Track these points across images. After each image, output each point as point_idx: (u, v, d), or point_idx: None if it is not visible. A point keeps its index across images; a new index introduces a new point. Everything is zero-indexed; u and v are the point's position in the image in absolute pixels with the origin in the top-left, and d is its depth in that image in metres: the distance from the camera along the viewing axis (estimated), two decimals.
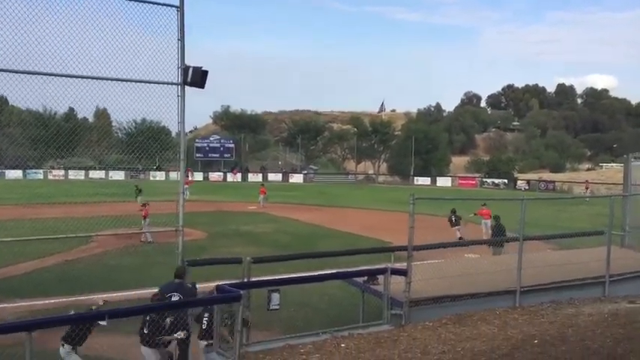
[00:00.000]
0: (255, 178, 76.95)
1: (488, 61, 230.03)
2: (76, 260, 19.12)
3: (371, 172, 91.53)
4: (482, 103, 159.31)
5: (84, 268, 17.74)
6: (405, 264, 10.28)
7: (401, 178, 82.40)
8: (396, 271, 10.42)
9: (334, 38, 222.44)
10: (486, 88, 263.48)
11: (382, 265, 11.21)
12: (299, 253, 15.89)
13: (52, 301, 14.34)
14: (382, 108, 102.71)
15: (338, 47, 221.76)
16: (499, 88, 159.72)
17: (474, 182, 77.13)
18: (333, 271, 11.79)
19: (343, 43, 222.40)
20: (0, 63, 9.03)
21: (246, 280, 9.75)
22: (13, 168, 65.44)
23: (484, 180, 77.65)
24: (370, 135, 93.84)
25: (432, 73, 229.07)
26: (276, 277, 11.27)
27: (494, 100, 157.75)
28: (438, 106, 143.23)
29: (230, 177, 77.63)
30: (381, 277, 10.62)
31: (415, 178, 78.87)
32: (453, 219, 24.30)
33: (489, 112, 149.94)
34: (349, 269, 12.68)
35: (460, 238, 21.57)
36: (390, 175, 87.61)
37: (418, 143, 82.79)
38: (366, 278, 10.99)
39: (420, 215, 10.24)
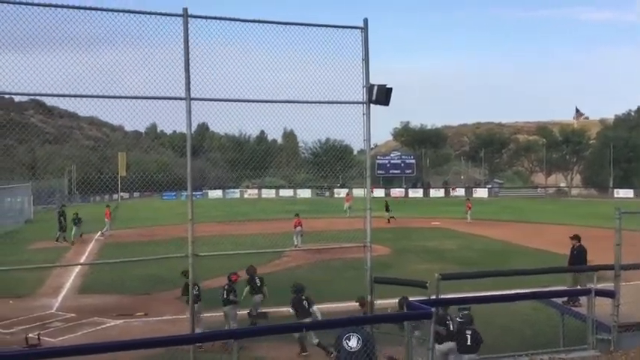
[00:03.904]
0: (436, 193, 75.97)
1: None
2: (271, 274, 20.34)
3: (563, 184, 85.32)
4: None
5: (279, 281, 18.79)
6: (611, 284, 9.35)
7: (598, 190, 75.62)
8: (600, 292, 9.52)
9: (513, 46, 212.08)
10: None
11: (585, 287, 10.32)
12: (488, 271, 15.28)
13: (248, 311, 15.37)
14: (577, 114, 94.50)
15: (517, 55, 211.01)
16: None
17: None
18: (528, 290, 11.12)
19: (522, 50, 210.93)
20: (201, 93, 9.97)
21: (435, 297, 9.59)
22: (215, 188, 72.22)
23: None
24: (561, 145, 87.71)
25: (630, 74, 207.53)
26: (467, 295, 10.91)
27: None
28: (639, 111, 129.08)
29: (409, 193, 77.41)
30: (583, 299, 9.77)
31: (615, 190, 71.76)
32: None
33: None
34: (545, 289, 11.86)
35: None
36: (585, 187, 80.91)
37: (617, 152, 75.46)
38: (565, 299, 10.19)
39: (626, 232, 9.28)
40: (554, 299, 10.59)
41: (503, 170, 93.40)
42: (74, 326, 14.85)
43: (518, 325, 13.46)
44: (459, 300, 9.72)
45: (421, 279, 10.56)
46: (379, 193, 73.30)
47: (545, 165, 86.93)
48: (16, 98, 67.91)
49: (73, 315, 15.79)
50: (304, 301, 12.84)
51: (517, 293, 10.46)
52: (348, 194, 48.69)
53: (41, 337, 12.38)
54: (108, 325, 14.75)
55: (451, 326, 10.10)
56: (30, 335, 12.08)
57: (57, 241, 30.56)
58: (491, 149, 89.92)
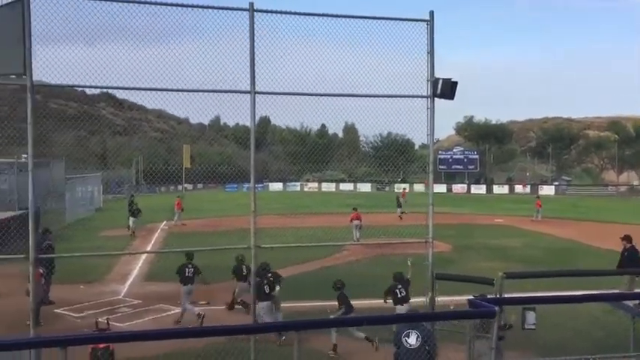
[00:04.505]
0: (500, 190, 74.16)
1: None
2: (331, 267, 20.42)
3: (636, 183, 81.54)
4: None
5: (338, 275, 18.82)
6: None
7: None
8: None
9: (584, 36, 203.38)
10: None
11: None
12: (554, 271, 14.79)
13: (310, 304, 15.47)
14: None
15: (588, 46, 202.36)
16: None
17: None
18: (597, 292, 10.67)
19: (594, 41, 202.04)
20: (264, 86, 10.08)
21: (498, 295, 9.35)
22: (276, 181, 73.09)
23: None
24: (634, 141, 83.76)
25: None
26: (533, 295, 10.58)
27: None
28: None
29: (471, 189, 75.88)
30: None
31: None
32: None
33: None
34: (616, 291, 11.37)
35: None
36: None
37: None
38: (638, 302, 9.74)
39: None
40: (627, 302, 10.11)
41: (571, 167, 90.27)
42: (140, 312, 15.39)
43: (587, 327, 12.98)
44: (524, 299, 9.43)
45: (484, 277, 10.35)
46: (440, 188, 72.27)
47: (617, 162, 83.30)
48: (89, 91, 70.86)
49: (139, 301, 16.36)
50: (265, 285, 13.23)
51: (584, 295, 10.03)
52: (403, 189, 48.27)
53: (110, 322, 12.86)
54: (172, 312, 15.20)
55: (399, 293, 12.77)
56: (100, 320, 12.57)
57: (129, 229, 30.72)
58: (559, 145, 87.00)
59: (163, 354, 10.38)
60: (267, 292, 13.14)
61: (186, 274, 14.82)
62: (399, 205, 38.12)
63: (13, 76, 10.43)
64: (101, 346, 8.80)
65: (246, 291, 14.43)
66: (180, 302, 14.99)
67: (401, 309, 12.75)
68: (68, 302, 16.06)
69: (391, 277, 13.39)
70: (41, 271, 13.50)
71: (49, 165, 31.34)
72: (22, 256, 9.57)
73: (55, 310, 15.38)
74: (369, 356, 11.68)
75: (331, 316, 12.47)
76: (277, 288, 13.77)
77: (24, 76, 8.94)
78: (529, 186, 74.79)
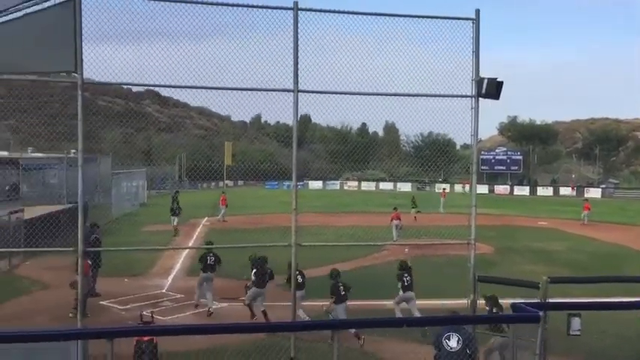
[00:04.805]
0: (544, 192, 72.60)
1: None
2: (370, 267, 20.35)
3: None
4: None
5: (377, 275, 18.77)
6: None
7: None
8: None
9: (629, 37, 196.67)
10: None
11: None
12: (600, 277, 14.42)
13: (350, 303, 15.45)
14: None
15: (635, 47, 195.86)
16: None
17: None
18: None
19: None
20: (306, 85, 10.11)
21: (542, 300, 9.17)
22: (316, 179, 73.29)
23: None
24: None
25: None
26: (579, 301, 10.34)
27: None
28: None
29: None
30: None
31: None
32: None
33: None
34: None
35: None
36: None
37: None
38: None
39: None
40: None
41: (619, 169, 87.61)
42: (183, 306, 15.67)
43: (633, 335, 12.58)
44: (569, 305, 9.22)
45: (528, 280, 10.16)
46: (482, 189, 71.15)
47: None
48: (134, 89, 72.55)
49: (181, 295, 16.65)
50: (340, 287, 13.39)
51: (633, 301, 9.75)
52: (443, 189, 47.70)
53: (154, 316, 13.14)
54: (213, 307, 15.41)
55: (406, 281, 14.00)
56: (144, 313, 12.85)
57: (174, 229, 29.79)
58: (606, 147, 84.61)
59: (206, 348, 10.55)
60: (342, 293, 13.31)
61: (208, 262, 15.64)
62: (415, 206, 37.66)
63: (64, 74, 10.77)
64: (145, 338, 9.00)
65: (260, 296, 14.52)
66: (197, 291, 15.66)
67: (409, 295, 14.05)
68: (113, 295, 16.47)
69: (432, 277, 13.40)
70: (89, 262, 13.87)
71: (96, 160, 32.19)
72: (71, 248, 9.86)
73: (101, 302, 15.80)
74: (407, 357, 11.61)
75: (324, 308, 13.24)
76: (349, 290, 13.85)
77: (74, 74, 9.21)
78: (576, 188, 72.82)
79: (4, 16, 8.74)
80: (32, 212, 22.50)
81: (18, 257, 20.92)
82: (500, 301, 10.97)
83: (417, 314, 13.69)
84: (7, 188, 26.98)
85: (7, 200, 24.42)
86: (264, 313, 14.03)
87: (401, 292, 14.13)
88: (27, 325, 13.28)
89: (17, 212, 21.28)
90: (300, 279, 13.44)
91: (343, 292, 13.35)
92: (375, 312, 14.36)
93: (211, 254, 15.88)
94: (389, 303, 15.13)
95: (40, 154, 35.71)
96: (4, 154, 25.29)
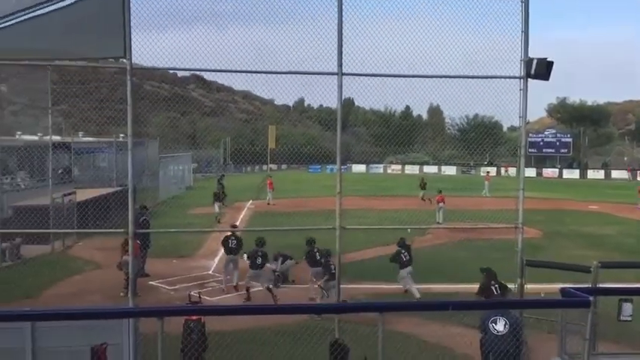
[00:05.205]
0: (595, 175, 70.54)
1: None
2: (416, 250, 20.24)
3: None
4: None
5: (420, 258, 18.67)
6: None
7: None
8: None
9: None
10: None
11: None
12: None
13: (392, 286, 15.48)
14: None
15: None
16: None
17: None
18: None
19: None
20: (349, 68, 10.04)
21: (593, 285, 8.97)
22: (359, 163, 73.08)
23: None
24: None
25: None
26: (630, 286, 10.07)
27: None
28: None
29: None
30: None
31: None
32: None
33: None
34: None
35: None
36: None
37: None
38: None
39: None
40: None
41: None
42: (228, 287, 15.95)
43: None
44: (621, 290, 8.99)
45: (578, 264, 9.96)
46: (530, 172, 69.57)
47: None
48: (180, 73, 73.62)
49: (227, 277, 16.95)
50: (316, 253, 14.89)
51: None
52: (487, 173, 46.83)
53: (201, 296, 13.46)
54: (258, 289, 15.64)
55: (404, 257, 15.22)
56: (192, 293, 13.18)
57: (216, 217, 28.44)
58: None
59: (251, 328, 10.74)
60: (405, 259, 15.33)
61: (230, 245, 16.29)
62: (423, 188, 36.99)
63: (112, 60, 11.02)
64: (194, 318, 9.22)
65: (320, 275, 14.62)
66: (224, 273, 16.33)
67: (405, 271, 15.29)
68: (162, 275, 16.92)
69: (477, 261, 13.34)
70: (138, 243, 14.28)
71: (144, 144, 32.91)
72: (122, 230, 10.16)
73: (150, 283, 16.26)
74: (451, 339, 11.55)
75: (318, 284, 14.11)
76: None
77: (122, 60, 9.41)
78: (632, 171, 70.31)
79: (57, 3, 8.97)
80: (84, 195, 23.23)
81: (71, 238, 21.70)
82: (548, 285, 10.79)
83: (415, 289, 14.89)
84: (60, 171, 27.89)
85: (60, 183, 25.25)
86: (269, 289, 14.65)
87: (400, 271, 15.32)
88: (82, 303, 13.79)
89: (70, 195, 22.00)
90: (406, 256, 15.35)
91: (407, 258, 15.24)
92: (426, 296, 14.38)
93: (233, 237, 16.53)
94: (434, 286, 15.15)
95: (90, 139, 36.79)
96: (57, 138, 26.04)
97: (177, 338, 9.17)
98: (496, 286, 12.70)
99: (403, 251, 15.55)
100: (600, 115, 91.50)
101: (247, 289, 15.04)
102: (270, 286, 14.83)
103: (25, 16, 8.94)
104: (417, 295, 14.54)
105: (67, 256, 19.96)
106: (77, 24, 9.12)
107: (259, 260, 15.14)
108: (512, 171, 55.78)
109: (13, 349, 7.76)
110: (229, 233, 16.81)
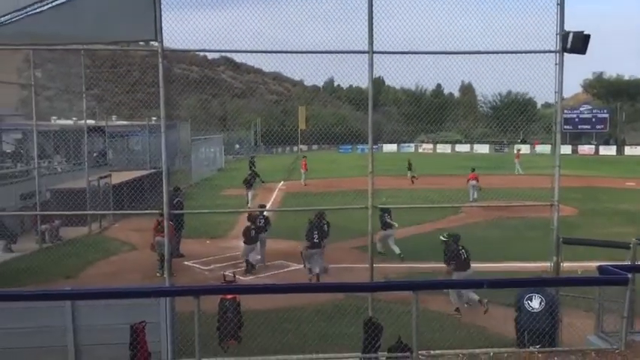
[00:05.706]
0: (633, 151, 68.81)
1: None
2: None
3: None
4: None
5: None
6: None
7: None
8: None
9: None
10: None
11: None
12: None
13: (425, 265, 15.39)
14: None
15: None
16: None
17: None
18: None
19: None
20: (380, 46, 9.90)
21: (632, 262, 8.80)
22: (390, 142, 72.60)
23: None
24: None
25: None
26: None
27: None
28: None
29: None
30: None
31: None
32: None
33: None
34: None
35: None
36: None
37: None
38: None
39: None
40: None
41: None
42: (260, 267, 16.12)
43: None
44: None
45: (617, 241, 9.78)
46: (565, 149, 68.12)
47: None
48: (209, 55, 74.05)
49: (259, 257, 17.13)
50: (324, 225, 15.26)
51: None
52: (518, 151, 45.96)
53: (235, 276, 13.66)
54: (291, 268, 15.78)
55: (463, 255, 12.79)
56: (227, 273, 13.38)
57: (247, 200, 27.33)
58: None
59: (285, 307, 10.85)
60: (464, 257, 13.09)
61: (251, 235, 16.12)
62: (410, 169, 36.41)
63: (142, 43, 11.10)
64: (229, 297, 9.37)
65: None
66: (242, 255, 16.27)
67: (390, 232, 16.34)
68: (196, 256, 17.18)
69: (512, 240, 13.23)
70: (172, 224, 14.52)
71: (176, 127, 33.26)
72: (157, 211, 10.33)
73: (185, 263, 16.54)
74: (485, 318, 11.51)
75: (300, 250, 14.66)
76: None
77: (152, 43, 9.47)
78: None
79: None
80: (118, 177, 23.65)
81: (108, 220, 22.18)
82: (585, 263, 10.62)
83: (396, 248, 16.12)
84: (95, 155, 28.42)
85: (96, 166, 25.76)
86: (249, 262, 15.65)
87: (382, 231, 15.93)
88: (119, 283, 14.12)
89: (105, 177, 22.43)
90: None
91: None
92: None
93: (261, 216, 16.57)
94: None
95: (124, 122, 37.31)
96: (92, 122, 26.50)
97: (213, 317, 9.35)
98: (462, 250, 12.76)
99: (386, 213, 15.64)
100: (638, 90, 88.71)
101: (247, 263, 15.70)
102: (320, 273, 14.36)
103: (58, 1, 9.05)
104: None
105: (104, 238, 20.42)
106: (109, 7, 9.21)
107: (316, 238, 14.75)
108: (540, 148, 54.78)
109: (54, 327, 8.03)
110: (249, 223, 16.40)
